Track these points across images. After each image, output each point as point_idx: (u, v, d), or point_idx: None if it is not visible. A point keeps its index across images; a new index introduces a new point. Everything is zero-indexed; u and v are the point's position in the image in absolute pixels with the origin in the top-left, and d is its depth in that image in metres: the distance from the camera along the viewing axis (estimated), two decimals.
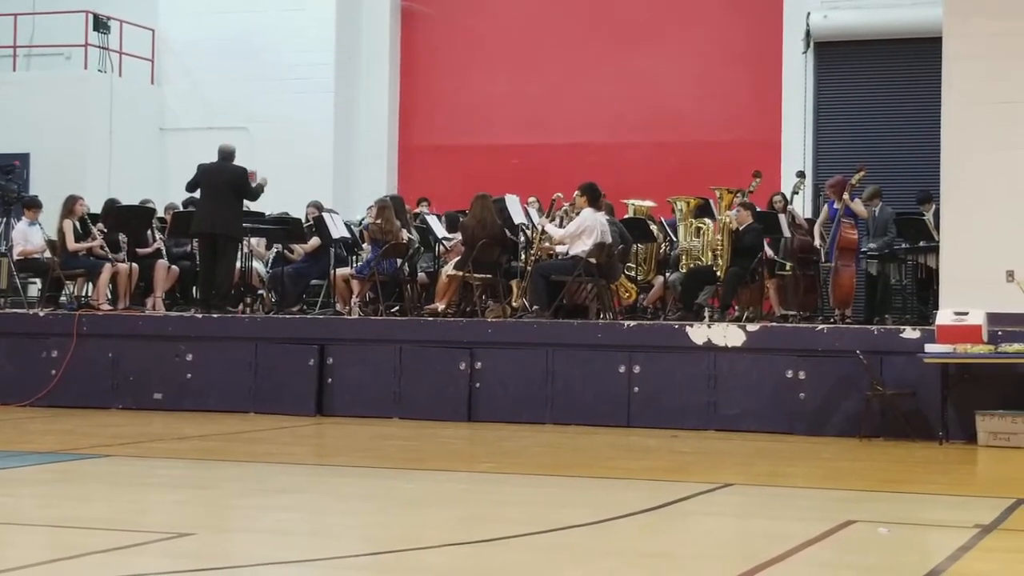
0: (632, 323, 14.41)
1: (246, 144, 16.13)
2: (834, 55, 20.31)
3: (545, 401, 14.12)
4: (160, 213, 17.59)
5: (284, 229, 16.79)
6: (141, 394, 15.26)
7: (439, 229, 16.42)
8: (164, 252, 16.93)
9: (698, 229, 15.46)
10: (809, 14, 20.06)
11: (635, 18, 21.34)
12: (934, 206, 15.23)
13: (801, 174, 17.16)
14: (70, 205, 16.21)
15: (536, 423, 13.99)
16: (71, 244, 16.03)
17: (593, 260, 14.55)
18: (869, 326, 14.08)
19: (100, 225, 16.52)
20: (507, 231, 15.46)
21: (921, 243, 15.17)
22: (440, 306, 15.38)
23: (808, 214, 17.83)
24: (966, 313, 12.73)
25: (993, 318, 12.81)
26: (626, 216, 16.58)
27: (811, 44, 20.16)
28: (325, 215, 16.28)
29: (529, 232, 15.71)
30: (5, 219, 18.07)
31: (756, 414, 13.50)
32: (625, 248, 15.64)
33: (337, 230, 16.10)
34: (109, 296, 16.42)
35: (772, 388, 13.49)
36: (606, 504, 8.97)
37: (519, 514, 8.67)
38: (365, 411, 14.55)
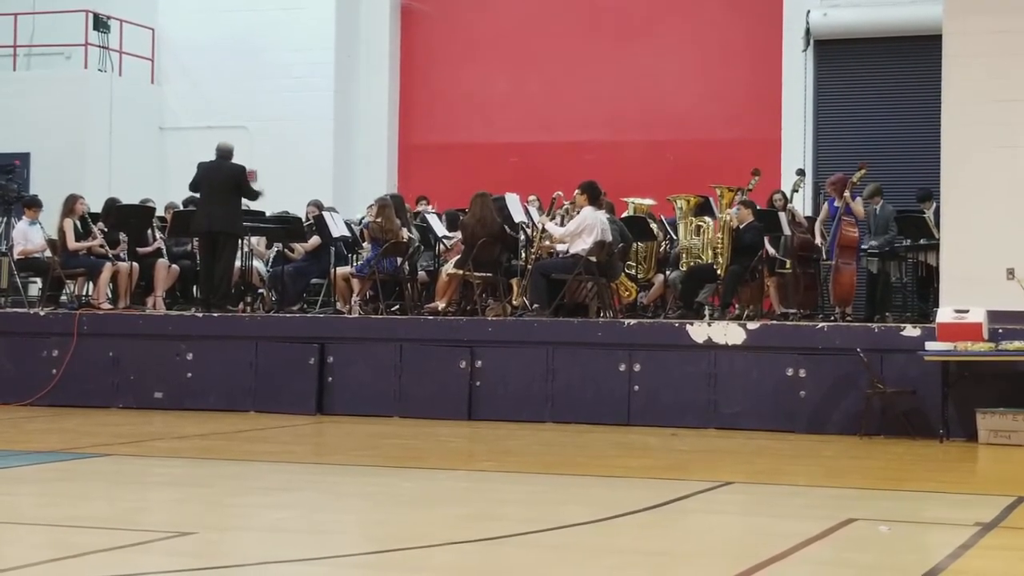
0: (632, 321, 14.41)
1: (246, 143, 16.16)
2: (834, 53, 20.31)
3: (545, 399, 14.12)
4: (160, 212, 17.59)
5: (284, 228, 16.80)
6: (142, 393, 15.27)
7: (439, 228, 16.43)
8: (164, 251, 16.94)
9: (698, 227, 15.46)
10: (809, 12, 20.08)
11: (635, 16, 21.34)
12: (934, 204, 15.22)
13: (801, 172, 17.16)
14: (70, 204, 16.21)
15: (536, 421, 13.99)
16: (71, 243, 16.04)
17: (593, 258, 14.55)
18: (869, 324, 14.09)
19: (100, 224, 16.52)
20: (507, 229, 15.46)
21: (921, 241, 15.17)
22: (440, 305, 15.38)
23: (808, 212, 17.83)
24: (967, 311, 12.73)
25: (993, 316, 12.81)
26: (626, 214, 16.58)
27: (811, 42, 20.16)
28: (325, 214, 16.28)
29: (529, 230, 15.70)
30: (5, 218, 18.07)
31: (756, 412, 13.50)
32: (625, 246, 15.64)
33: (337, 229, 16.10)
34: (109, 295, 16.42)
35: (772, 386, 13.49)
36: (606, 502, 8.97)
37: (519, 512, 8.68)
38: (365, 410, 14.56)
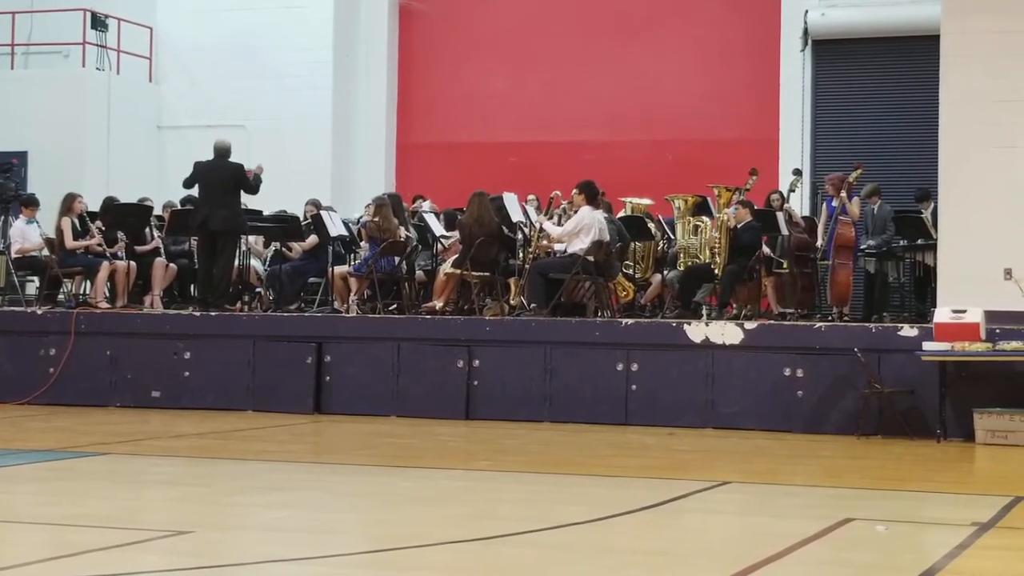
0: (630, 321, 14.42)
1: (244, 142, 16.14)
2: (832, 53, 20.31)
3: (543, 399, 14.13)
4: (158, 211, 17.58)
5: (282, 227, 16.80)
6: (139, 392, 15.27)
7: (437, 227, 16.42)
8: (162, 250, 16.93)
9: (696, 227, 15.46)
10: (807, 12, 20.07)
11: (633, 16, 21.34)
12: (932, 204, 15.23)
13: (798, 171, 17.16)
14: (68, 203, 16.20)
15: (534, 421, 13.99)
16: (69, 242, 16.03)
17: (591, 258, 14.55)
18: (867, 324, 14.10)
19: (98, 223, 16.51)
20: (505, 229, 15.45)
21: (919, 241, 15.17)
22: (438, 304, 15.37)
23: (805, 212, 17.84)
24: (964, 311, 12.75)
25: (991, 316, 12.82)
26: (623, 214, 16.58)
27: (809, 42, 20.16)
28: (323, 213, 16.27)
29: (527, 230, 15.70)
30: (3, 217, 18.04)
31: (754, 412, 13.50)
32: (623, 246, 15.64)
33: (335, 228, 16.10)
34: (107, 294, 16.42)
35: (770, 386, 13.49)
36: (604, 502, 8.97)
37: (516, 512, 8.68)
38: (363, 409, 14.56)
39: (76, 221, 16.17)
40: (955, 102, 13.68)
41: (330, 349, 14.86)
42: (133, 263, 16.45)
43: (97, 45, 21.88)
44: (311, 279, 16.91)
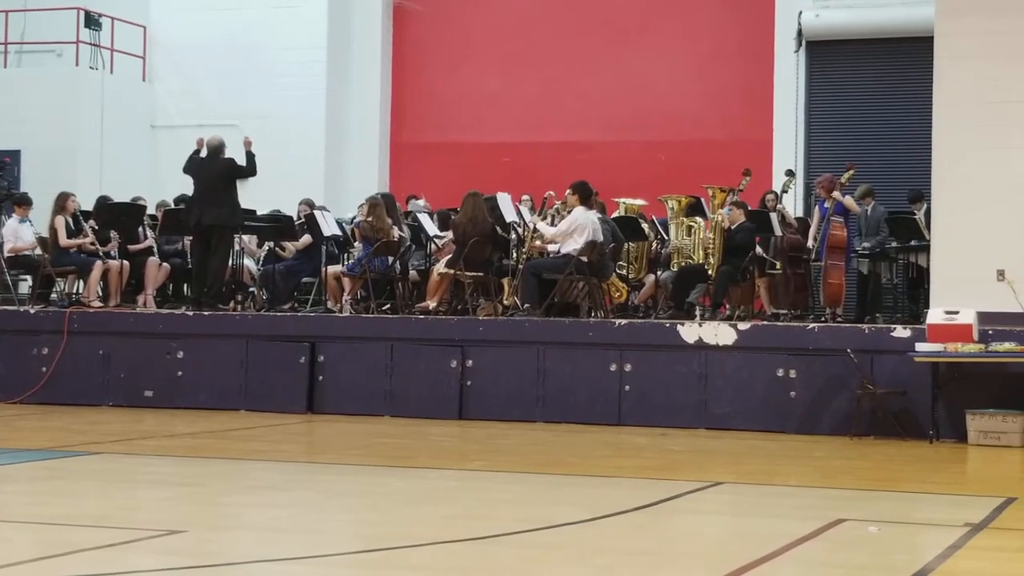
0: (623, 321, 14.42)
1: (237, 141, 16.08)
2: (826, 54, 20.33)
3: (536, 399, 14.13)
4: (151, 210, 17.57)
5: (275, 226, 16.79)
6: (132, 391, 15.26)
7: (430, 227, 16.42)
8: (155, 249, 16.92)
9: (689, 228, 15.47)
10: (801, 13, 20.08)
11: (627, 16, 21.34)
12: (925, 205, 15.24)
13: (790, 172, 17.17)
14: (62, 202, 16.19)
15: (527, 421, 14.00)
16: (62, 241, 16.02)
17: (584, 258, 14.55)
18: (860, 325, 14.10)
19: (91, 222, 16.49)
20: (499, 229, 15.45)
21: (912, 242, 15.18)
22: (431, 304, 15.37)
23: (799, 213, 17.85)
24: (957, 312, 12.76)
25: (984, 317, 12.84)
26: (617, 214, 16.58)
27: (803, 43, 20.18)
28: (317, 212, 16.27)
29: (521, 230, 15.70)
30: None
31: (747, 413, 13.51)
32: (616, 246, 15.64)
33: (328, 228, 16.09)
34: (100, 293, 16.40)
35: (763, 387, 13.51)
36: (596, 502, 8.97)
37: (509, 512, 8.68)
38: (356, 409, 14.56)
39: (69, 220, 16.16)
40: (948, 103, 13.69)
41: (323, 349, 14.85)
42: (126, 262, 16.44)
43: (90, 44, 21.85)
44: (304, 279, 16.91)
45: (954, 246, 13.59)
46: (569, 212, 14.92)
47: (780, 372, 13.45)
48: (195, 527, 7.85)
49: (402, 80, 22.48)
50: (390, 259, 15.78)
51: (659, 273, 16.12)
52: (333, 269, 16.28)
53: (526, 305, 14.71)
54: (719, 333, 13.72)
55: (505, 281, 15.60)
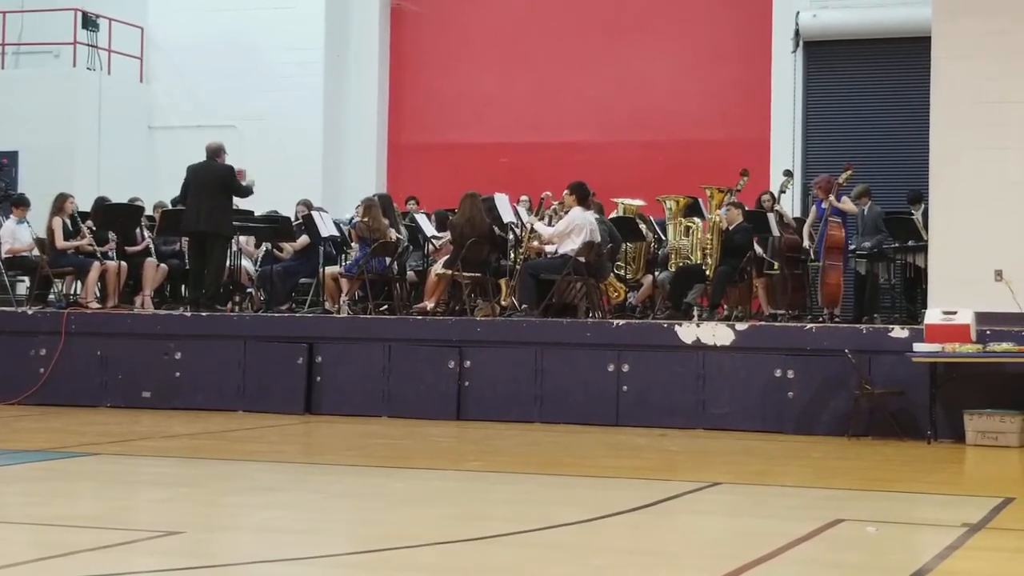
0: (621, 322, 14.42)
1: (235, 142, 16.11)
2: (823, 54, 20.33)
3: (534, 400, 14.13)
4: (149, 211, 17.56)
5: (273, 227, 16.77)
6: (130, 392, 15.25)
7: (428, 227, 16.42)
8: (153, 250, 16.91)
9: (687, 228, 15.47)
10: (798, 13, 20.09)
11: (625, 17, 21.34)
12: (923, 205, 15.25)
13: (788, 173, 17.16)
14: (59, 203, 16.18)
15: (525, 422, 13.99)
16: (60, 242, 16.01)
17: (582, 259, 14.55)
18: (858, 325, 14.10)
19: (89, 223, 16.48)
20: (496, 229, 15.45)
21: (910, 242, 15.19)
22: (429, 305, 15.37)
23: (796, 213, 17.84)
24: (954, 312, 12.76)
25: (981, 317, 12.84)
26: (615, 214, 16.58)
27: (800, 43, 20.19)
28: (314, 213, 16.26)
29: (518, 231, 15.70)
30: None
31: (745, 413, 13.51)
32: (614, 247, 15.64)
33: (326, 228, 16.09)
34: (98, 294, 16.39)
35: (761, 387, 13.50)
36: (594, 503, 8.98)
37: (507, 512, 8.68)
38: (354, 409, 14.55)
39: (67, 221, 16.15)
40: (946, 103, 13.69)
41: (321, 349, 14.85)
42: (124, 263, 16.43)
43: (88, 45, 21.85)
44: (302, 280, 16.90)
45: (952, 246, 13.60)
46: (567, 212, 14.92)
47: (778, 372, 13.45)
48: (193, 528, 7.85)
49: (400, 81, 22.47)
50: (388, 260, 15.78)
51: (657, 273, 16.12)
52: (331, 270, 16.27)
53: (524, 306, 14.71)
54: (717, 333, 13.72)
55: (503, 282, 15.60)
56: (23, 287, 17.34)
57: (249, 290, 17.14)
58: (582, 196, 14.84)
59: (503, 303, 15.38)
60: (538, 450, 12.28)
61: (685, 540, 7.96)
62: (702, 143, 20.47)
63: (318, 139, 21.85)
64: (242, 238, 16.88)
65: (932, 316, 12.86)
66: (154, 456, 11.39)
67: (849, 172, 15.18)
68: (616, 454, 12.10)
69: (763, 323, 14.60)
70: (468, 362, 14.37)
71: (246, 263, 17.38)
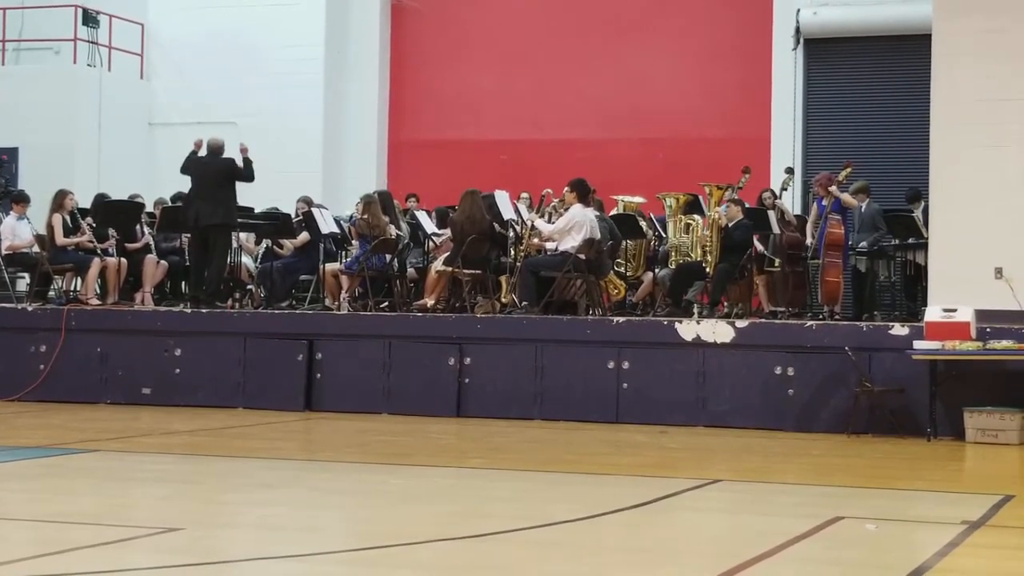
0: (621, 319, 14.42)
1: (235, 139, 16.07)
2: (824, 52, 20.33)
3: (534, 397, 14.13)
4: (149, 208, 17.56)
5: (273, 224, 16.79)
6: (130, 389, 15.25)
7: (428, 225, 16.42)
8: (153, 247, 16.91)
9: (688, 225, 15.46)
10: (799, 11, 20.08)
11: (625, 14, 21.33)
12: (923, 203, 15.25)
13: (790, 170, 17.17)
14: (59, 199, 16.18)
15: (525, 419, 13.99)
16: (60, 239, 16.00)
17: (582, 256, 14.55)
18: (858, 323, 14.11)
19: (89, 220, 16.48)
20: (496, 227, 15.45)
21: (910, 240, 15.19)
22: (429, 302, 15.37)
23: (797, 210, 17.84)
24: (954, 310, 12.76)
25: (981, 315, 12.84)
26: (615, 212, 16.58)
27: (801, 41, 20.18)
28: (314, 210, 16.26)
29: (518, 228, 15.70)
30: None
31: (745, 410, 13.51)
32: (614, 244, 15.64)
33: (326, 225, 16.09)
34: (98, 291, 16.39)
35: (761, 384, 13.51)
36: (594, 500, 8.97)
37: (507, 509, 8.68)
38: (354, 406, 14.55)
39: (67, 218, 16.15)
40: (946, 101, 13.69)
41: (321, 346, 14.85)
42: (124, 260, 16.43)
43: (88, 41, 21.84)
44: (302, 276, 16.90)
45: (952, 244, 13.60)
46: (567, 210, 14.91)
47: (778, 370, 13.45)
48: (192, 525, 7.84)
49: (400, 78, 22.47)
50: (388, 257, 15.77)
51: (657, 271, 16.12)
52: (331, 267, 16.27)
53: (524, 303, 14.71)
54: (717, 331, 13.72)
55: (503, 279, 15.59)
56: (23, 284, 17.33)
57: (249, 287, 17.13)
58: (582, 193, 14.84)
59: (503, 300, 15.38)
60: (538, 447, 12.29)
61: (685, 537, 7.96)
62: (702, 140, 20.46)
63: (318, 136, 21.85)
64: (242, 235, 16.89)
65: (932, 314, 12.86)
66: (154, 453, 11.39)
67: (849, 170, 15.17)
68: (616, 451, 12.10)
69: (763, 320, 14.60)
70: (468, 359, 14.37)
71: (246, 260, 17.39)
